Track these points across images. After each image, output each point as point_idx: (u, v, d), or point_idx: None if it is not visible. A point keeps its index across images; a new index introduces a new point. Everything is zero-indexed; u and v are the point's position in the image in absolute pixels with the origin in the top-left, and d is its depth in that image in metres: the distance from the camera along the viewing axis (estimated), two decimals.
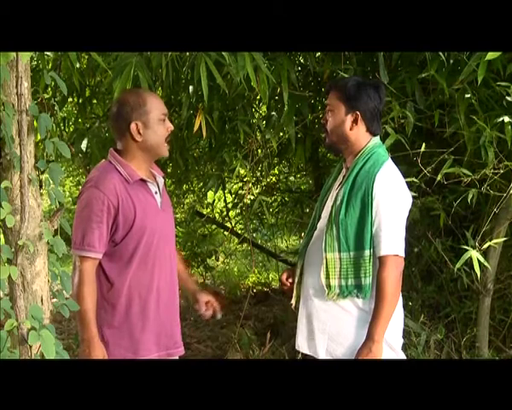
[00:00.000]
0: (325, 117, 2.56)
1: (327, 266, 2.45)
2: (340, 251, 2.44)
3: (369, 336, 2.39)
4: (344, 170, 2.61)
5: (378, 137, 2.56)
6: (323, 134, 2.62)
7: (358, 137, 2.51)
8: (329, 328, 2.50)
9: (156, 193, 2.58)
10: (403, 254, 2.44)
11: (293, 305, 2.69)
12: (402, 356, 2.55)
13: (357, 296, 2.44)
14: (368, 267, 2.40)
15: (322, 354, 2.52)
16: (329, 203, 2.56)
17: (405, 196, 2.49)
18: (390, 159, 2.54)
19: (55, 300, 2.39)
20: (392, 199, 2.43)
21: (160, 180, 2.64)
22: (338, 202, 2.47)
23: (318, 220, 2.62)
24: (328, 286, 2.45)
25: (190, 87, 3.87)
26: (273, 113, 4.25)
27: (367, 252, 2.40)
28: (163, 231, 2.57)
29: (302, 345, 2.61)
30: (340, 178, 2.60)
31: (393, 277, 2.39)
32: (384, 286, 2.38)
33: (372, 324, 2.39)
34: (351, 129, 2.50)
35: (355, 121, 2.49)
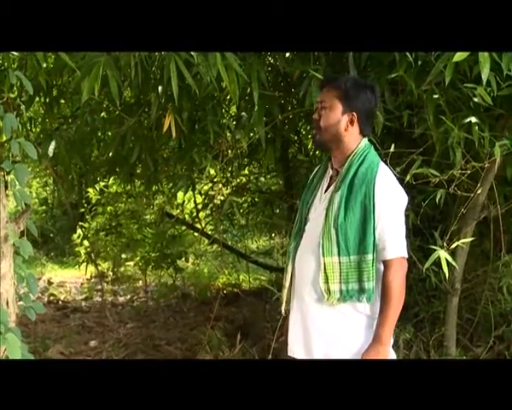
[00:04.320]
0: (318, 113, 2.49)
1: (325, 271, 2.39)
2: (339, 255, 2.38)
3: (377, 339, 2.36)
4: (330, 170, 2.56)
5: (367, 138, 2.52)
6: (314, 130, 2.55)
7: (351, 139, 2.47)
8: (327, 332, 2.44)
9: None
10: (407, 256, 2.45)
11: (284, 311, 2.62)
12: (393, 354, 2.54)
13: (359, 300, 2.39)
14: (371, 271, 2.36)
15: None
16: (321, 206, 2.50)
17: (404, 197, 2.48)
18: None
19: (21, 302, 2.35)
20: (394, 202, 2.43)
21: None
22: (335, 206, 2.41)
23: (305, 223, 2.55)
24: (328, 291, 2.39)
25: (159, 87, 3.84)
26: (243, 113, 4.24)
27: (370, 256, 2.36)
28: None
29: (297, 351, 2.53)
30: (327, 179, 2.55)
31: (400, 279, 2.39)
32: (391, 289, 2.37)
33: (379, 326, 2.37)
34: (345, 129, 2.45)
35: (351, 122, 2.45)
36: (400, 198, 2.46)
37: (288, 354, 2.57)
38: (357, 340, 2.43)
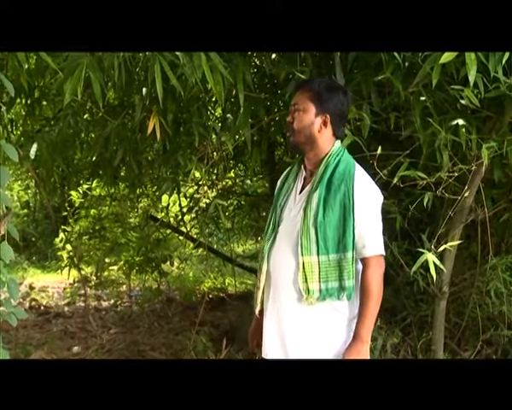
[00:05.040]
0: (292, 116, 2.55)
1: (304, 270, 2.41)
2: (318, 254, 2.41)
3: (358, 337, 2.40)
4: (303, 171, 2.60)
5: (339, 141, 2.59)
6: (288, 133, 2.60)
7: (324, 140, 2.53)
8: (304, 332, 2.45)
9: None
10: (384, 253, 2.50)
11: (258, 312, 2.62)
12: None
13: (339, 298, 2.42)
14: (351, 269, 2.40)
15: None
16: (296, 206, 2.53)
17: (380, 196, 2.54)
18: None
19: (1, 308, 2.30)
20: (373, 200, 2.49)
21: None
22: (313, 205, 2.44)
23: (279, 224, 2.57)
24: (307, 290, 2.41)
25: (144, 89, 3.79)
26: (228, 115, 4.20)
27: (350, 254, 2.40)
28: None
29: (273, 352, 2.53)
30: (301, 180, 2.59)
31: (378, 276, 2.44)
32: (370, 286, 2.41)
33: (360, 324, 2.40)
34: (319, 131, 2.51)
35: (324, 124, 2.51)
36: (377, 197, 2.53)
37: (263, 356, 2.59)
38: (334, 339, 2.45)
